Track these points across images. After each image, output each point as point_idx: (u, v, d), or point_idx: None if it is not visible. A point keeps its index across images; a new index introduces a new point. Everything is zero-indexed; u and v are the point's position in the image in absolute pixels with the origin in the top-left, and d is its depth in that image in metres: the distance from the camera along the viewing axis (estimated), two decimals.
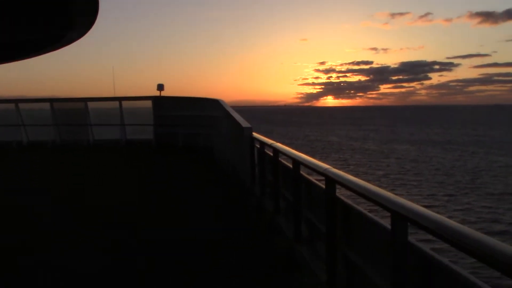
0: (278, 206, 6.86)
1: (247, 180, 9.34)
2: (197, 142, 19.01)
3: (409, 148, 52.65)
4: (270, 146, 7.19)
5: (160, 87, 21.13)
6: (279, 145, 6.82)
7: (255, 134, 8.99)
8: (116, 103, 21.77)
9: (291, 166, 5.89)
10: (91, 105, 22.11)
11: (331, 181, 4.05)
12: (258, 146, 8.72)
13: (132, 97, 22.31)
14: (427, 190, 26.94)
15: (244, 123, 9.72)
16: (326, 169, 4.22)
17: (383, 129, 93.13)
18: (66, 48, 18.68)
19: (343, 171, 4.17)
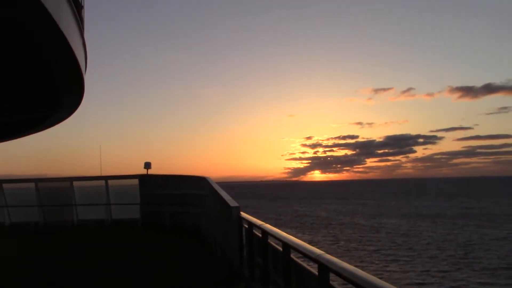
0: None
1: (236, 261, 9.01)
2: (184, 221, 18.61)
3: (399, 222, 52.19)
4: (258, 227, 6.96)
5: (147, 165, 20.95)
6: (268, 226, 6.55)
7: (243, 214, 8.70)
8: (102, 182, 21.53)
9: (281, 249, 5.64)
10: (76, 184, 21.77)
11: (325, 268, 3.82)
12: (247, 226, 8.37)
13: (119, 176, 22.05)
14: (420, 266, 26.34)
15: (232, 202, 9.48)
16: (319, 255, 4.01)
17: (371, 203, 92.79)
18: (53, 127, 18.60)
19: (336, 255, 3.97)
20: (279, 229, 6.18)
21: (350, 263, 3.68)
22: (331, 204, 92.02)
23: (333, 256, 3.94)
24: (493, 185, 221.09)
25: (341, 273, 3.40)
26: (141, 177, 20.92)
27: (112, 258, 13.05)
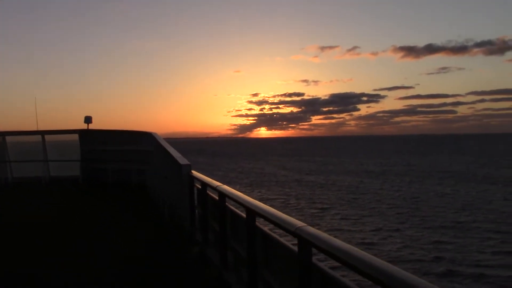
0: (226, 261, 5.86)
1: (187, 224, 8.34)
2: (129, 178, 17.53)
3: (347, 179, 52.59)
4: (214, 188, 6.05)
5: (88, 119, 19.49)
6: (226, 188, 5.69)
7: (195, 173, 7.85)
8: (39, 137, 19.88)
9: (243, 215, 4.89)
10: (9, 139, 20.06)
11: (306, 243, 3.02)
12: (199, 187, 7.58)
13: (57, 131, 20.39)
14: (370, 224, 26.08)
15: (182, 160, 8.62)
16: (298, 228, 3.16)
17: (318, 160, 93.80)
18: None
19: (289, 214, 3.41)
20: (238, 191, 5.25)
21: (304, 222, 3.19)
22: (279, 162, 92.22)
23: (312, 226, 3.11)
24: (431, 142, 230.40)
25: (326, 249, 2.71)
26: (81, 132, 19.64)
27: (52, 218, 11.80)
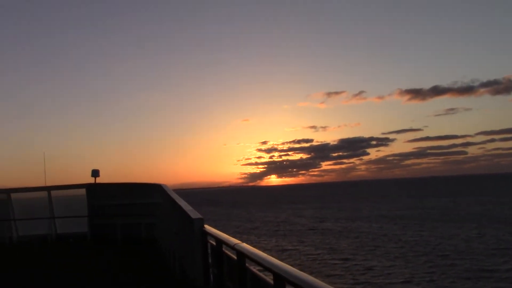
0: None
1: (200, 284, 7.52)
2: (138, 233, 16.80)
3: (364, 225, 51.00)
4: (232, 247, 5.25)
5: (95, 173, 18.84)
6: (245, 246, 4.87)
7: (208, 228, 7.10)
8: (45, 193, 19.10)
9: (269, 280, 4.09)
10: (15, 196, 19.24)
11: None
12: (214, 243, 6.80)
13: (63, 186, 19.63)
14: (400, 275, 24.65)
15: (193, 213, 7.85)
16: None
17: (332, 206, 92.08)
18: None
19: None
20: (264, 252, 4.40)
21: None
22: (292, 209, 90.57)
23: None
24: (443, 184, 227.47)
25: None
26: (88, 186, 18.86)
27: (59, 279, 11.35)
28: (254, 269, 4.99)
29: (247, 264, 5.05)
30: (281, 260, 3.77)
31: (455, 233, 40.08)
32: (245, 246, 4.94)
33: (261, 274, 4.75)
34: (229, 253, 6.02)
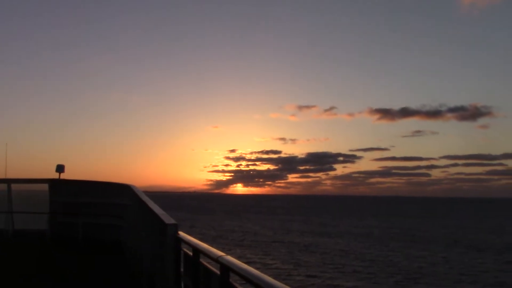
0: None
1: None
2: (102, 235, 15.89)
3: (330, 241, 50.52)
4: (216, 260, 4.35)
5: (60, 168, 17.87)
6: (232, 260, 4.06)
7: (183, 235, 6.34)
8: (4, 186, 18.15)
9: None
10: None
11: None
12: (190, 254, 5.93)
13: (25, 179, 18.68)
14: None
15: (167, 218, 7.10)
16: None
17: (298, 219, 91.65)
18: None
19: None
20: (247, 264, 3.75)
21: None
22: (258, 219, 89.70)
23: None
24: (407, 204, 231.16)
25: None
26: (51, 182, 17.98)
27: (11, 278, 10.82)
28: (239, 286, 4.34)
29: (230, 280, 4.32)
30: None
31: (421, 255, 39.92)
32: (231, 259, 4.19)
33: None
34: (207, 264, 5.26)
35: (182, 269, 6.63)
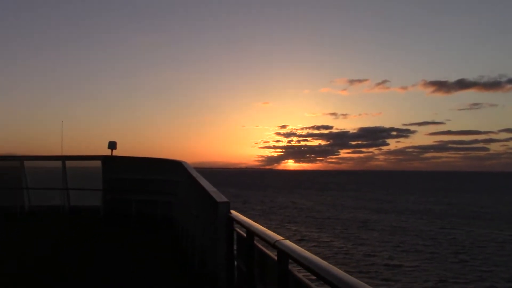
0: None
1: (222, 277, 6.47)
2: (154, 211, 15.84)
3: (388, 218, 49.13)
4: (272, 245, 3.90)
5: (112, 145, 18.06)
6: (290, 245, 3.61)
7: (235, 214, 5.97)
8: (59, 163, 18.48)
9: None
10: (28, 164, 18.75)
11: None
12: (244, 234, 5.54)
13: (78, 156, 19.09)
14: (435, 274, 22.88)
15: (218, 196, 6.78)
16: None
17: (351, 195, 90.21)
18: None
19: None
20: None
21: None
22: (313, 195, 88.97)
23: None
24: (465, 180, 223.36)
25: None
26: (104, 159, 18.24)
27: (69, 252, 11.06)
28: (299, 273, 3.84)
29: (290, 267, 3.89)
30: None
31: (484, 233, 38.00)
32: (289, 244, 3.74)
33: (308, 281, 3.60)
34: (263, 247, 4.86)
35: (235, 251, 6.31)
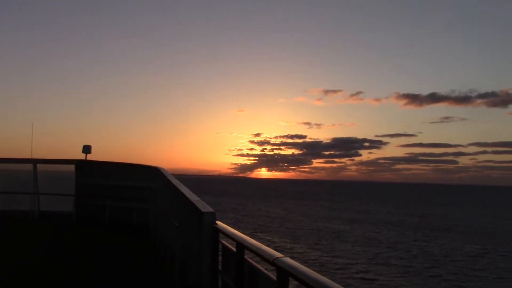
0: None
1: None
2: (129, 218, 15.40)
3: (360, 228, 48.87)
4: (272, 262, 3.50)
5: (87, 149, 17.54)
6: (292, 263, 3.29)
7: (222, 226, 5.56)
8: (30, 166, 17.95)
9: None
10: None
11: None
12: (232, 248, 5.14)
13: (51, 160, 18.37)
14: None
15: (202, 205, 6.27)
16: None
17: (324, 205, 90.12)
18: None
19: None
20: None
21: None
22: (286, 204, 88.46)
23: None
24: (434, 192, 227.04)
25: None
26: (78, 163, 17.73)
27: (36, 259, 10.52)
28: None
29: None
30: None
31: (457, 247, 38.03)
32: (291, 262, 3.41)
33: None
34: (254, 263, 4.48)
35: (220, 265, 5.90)
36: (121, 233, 14.73)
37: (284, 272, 3.34)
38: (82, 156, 17.75)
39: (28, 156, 18.40)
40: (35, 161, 18.02)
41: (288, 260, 3.44)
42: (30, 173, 17.92)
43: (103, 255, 11.58)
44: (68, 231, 15.60)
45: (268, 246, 3.97)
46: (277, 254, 3.59)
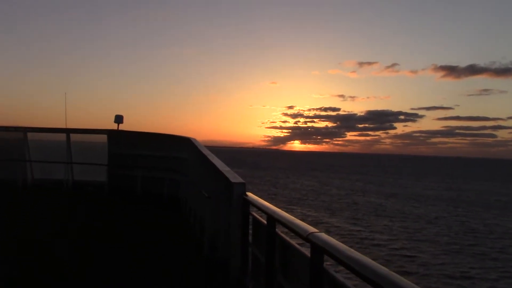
0: None
1: (235, 265, 5.91)
2: (160, 189, 15.40)
3: (404, 204, 47.84)
4: (305, 238, 3.30)
5: (119, 119, 17.57)
6: (327, 239, 3.03)
7: (252, 197, 5.46)
8: (63, 136, 18.12)
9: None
10: (31, 136, 18.41)
11: None
12: (263, 221, 4.94)
13: (83, 130, 18.40)
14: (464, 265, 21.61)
15: (233, 176, 6.20)
16: None
17: (359, 178, 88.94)
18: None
19: None
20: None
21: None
22: (323, 178, 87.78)
23: None
24: (472, 166, 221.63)
25: None
26: (110, 133, 17.80)
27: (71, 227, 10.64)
28: (334, 268, 3.35)
29: (325, 266, 3.28)
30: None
31: (501, 223, 36.64)
32: (326, 238, 3.16)
33: (344, 280, 3.05)
34: (285, 237, 4.26)
35: (250, 237, 5.75)
36: (152, 203, 14.76)
37: (319, 249, 3.15)
38: (114, 126, 17.79)
39: (63, 126, 18.59)
40: (68, 131, 18.17)
41: (323, 235, 3.24)
42: (63, 143, 18.16)
43: (132, 224, 11.54)
44: (101, 200, 15.68)
45: (302, 220, 3.72)
46: (312, 229, 3.40)
